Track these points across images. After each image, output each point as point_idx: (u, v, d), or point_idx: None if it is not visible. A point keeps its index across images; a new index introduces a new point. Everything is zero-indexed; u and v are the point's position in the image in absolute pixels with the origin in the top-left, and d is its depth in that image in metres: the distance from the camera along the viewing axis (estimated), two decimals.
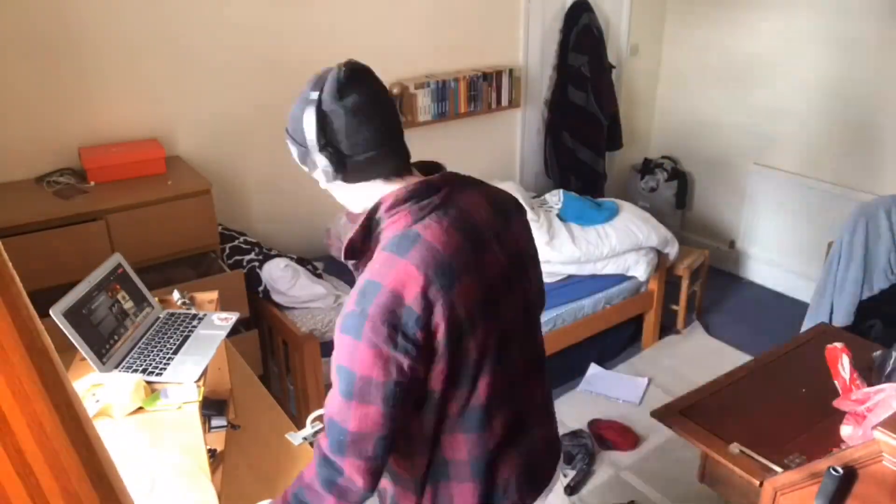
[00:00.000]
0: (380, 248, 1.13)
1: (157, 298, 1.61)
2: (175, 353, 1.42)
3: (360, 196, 1.22)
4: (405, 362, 1.05)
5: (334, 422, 1.09)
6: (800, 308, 3.12)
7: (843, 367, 1.84)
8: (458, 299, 1.09)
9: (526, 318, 1.27)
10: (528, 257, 1.30)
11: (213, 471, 1.28)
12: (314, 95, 1.19)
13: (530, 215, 3.04)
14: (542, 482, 1.35)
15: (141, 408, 1.27)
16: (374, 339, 1.04)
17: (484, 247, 1.17)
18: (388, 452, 1.11)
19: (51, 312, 1.27)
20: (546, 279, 3.09)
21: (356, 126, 1.15)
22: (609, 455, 2.83)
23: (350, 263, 1.23)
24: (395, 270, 1.07)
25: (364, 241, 1.19)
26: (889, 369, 1.91)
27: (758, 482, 1.76)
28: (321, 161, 1.16)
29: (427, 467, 1.21)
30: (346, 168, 1.16)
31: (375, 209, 1.16)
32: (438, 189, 1.16)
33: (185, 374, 1.34)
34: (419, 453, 1.20)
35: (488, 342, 1.15)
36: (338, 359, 1.09)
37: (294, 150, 1.22)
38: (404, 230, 1.12)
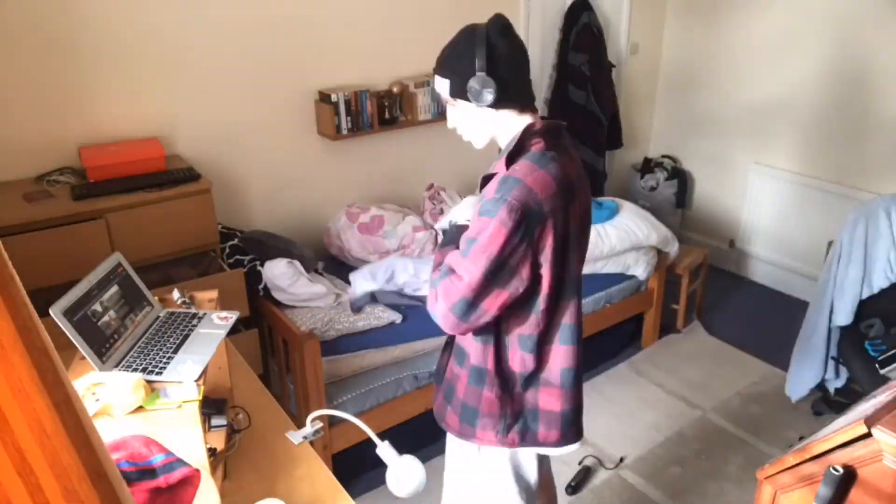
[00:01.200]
0: (521, 159, 1.40)
1: (157, 297, 1.61)
2: (175, 352, 1.42)
3: (496, 125, 1.48)
4: (521, 248, 1.35)
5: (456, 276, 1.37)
6: (800, 307, 3.12)
7: None
8: (573, 215, 1.42)
9: (580, 271, 1.55)
10: (588, 221, 1.56)
11: (214, 470, 1.28)
12: (482, 32, 1.41)
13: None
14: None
15: (141, 407, 1.27)
16: (506, 220, 1.32)
17: (582, 189, 1.48)
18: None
19: (50, 311, 1.27)
20: None
21: (515, 59, 1.44)
22: (610, 454, 2.83)
23: (484, 179, 1.50)
24: (535, 175, 1.36)
25: (516, 155, 1.43)
26: None
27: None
28: (486, 85, 1.38)
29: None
30: (504, 92, 1.40)
31: (527, 131, 1.44)
32: (561, 133, 1.50)
33: (185, 373, 1.34)
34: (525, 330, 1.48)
35: (580, 261, 1.50)
36: (469, 233, 1.38)
37: (447, 84, 1.44)
38: (542, 151, 1.41)
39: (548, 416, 1.56)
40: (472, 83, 1.39)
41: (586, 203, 1.51)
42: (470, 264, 1.35)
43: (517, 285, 1.39)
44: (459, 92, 1.43)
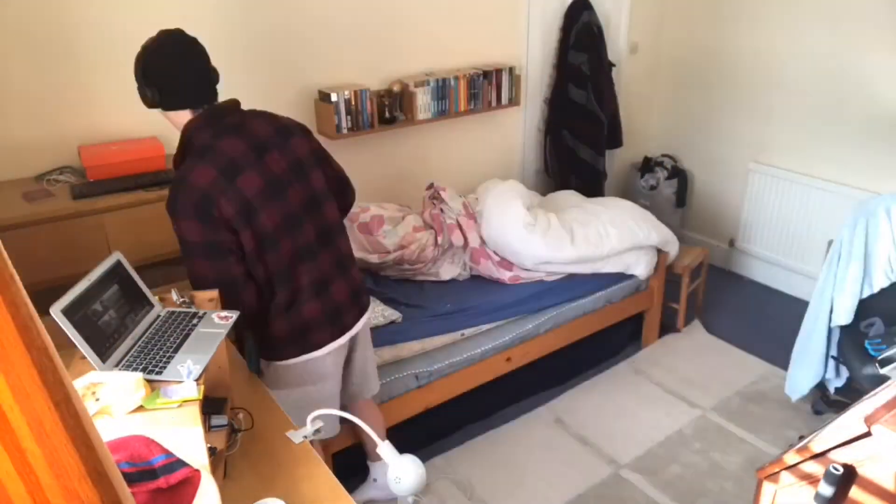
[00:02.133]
0: (187, 160, 1.71)
1: (157, 297, 1.61)
2: (175, 351, 1.42)
3: (174, 124, 1.79)
4: (213, 232, 1.67)
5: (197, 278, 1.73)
6: (800, 306, 3.12)
7: None
8: (244, 186, 1.70)
9: (311, 203, 1.88)
10: (309, 161, 1.90)
11: (214, 469, 1.28)
12: (140, 52, 1.74)
13: (527, 218, 3.03)
14: (343, 326, 2.00)
15: (141, 406, 1.27)
16: (194, 216, 1.65)
17: (266, 152, 1.78)
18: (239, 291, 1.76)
19: (50, 311, 1.26)
20: (546, 278, 3.10)
21: (167, 66, 1.73)
22: (610, 454, 2.84)
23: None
24: (196, 171, 1.67)
25: (183, 155, 1.75)
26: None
27: None
28: (144, 92, 1.73)
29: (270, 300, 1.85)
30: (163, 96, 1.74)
31: (186, 128, 1.73)
32: (222, 114, 1.78)
33: (186, 373, 1.34)
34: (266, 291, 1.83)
35: (277, 218, 1.77)
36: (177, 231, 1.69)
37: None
38: (203, 143, 1.71)
39: None
40: (141, 91, 1.74)
41: (292, 150, 1.86)
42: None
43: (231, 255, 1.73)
44: (142, 99, 1.76)
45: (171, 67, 1.71)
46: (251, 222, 1.72)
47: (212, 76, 1.80)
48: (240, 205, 1.69)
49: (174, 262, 2.49)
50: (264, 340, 1.94)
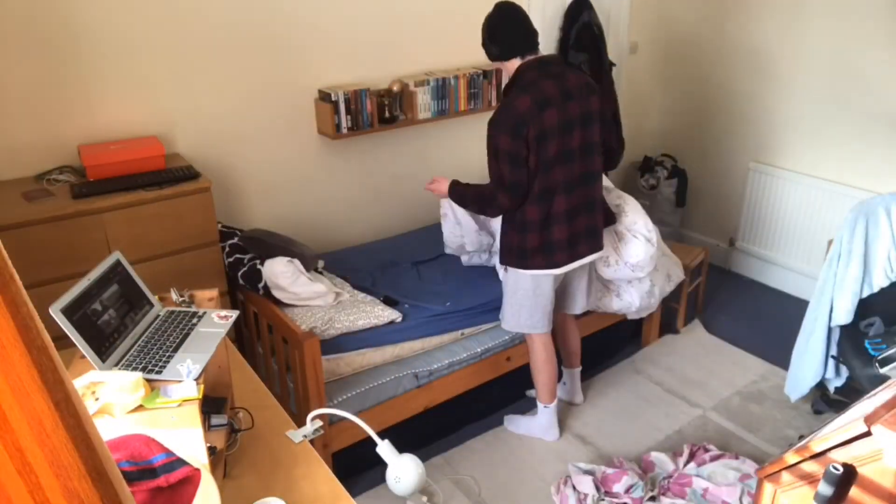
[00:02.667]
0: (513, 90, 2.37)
1: (157, 296, 1.61)
2: (175, 350, 1.42)
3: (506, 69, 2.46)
4: (518, 147, 2.31)
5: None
6: (800, 306, 3.12)
7: None
8: (547, 118, 2.30)
9: (586, 148, 2.44)
10: (595, 116, 2.46)
11: (214, 468, 1.28)
12: (486, 18, 2.45)
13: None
14: (576, 253, 2.54)
15: (141, 406, 1.27)
16: (508, 132, 2.31)
17: (570, 99, 2.36)
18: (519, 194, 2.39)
19: (50, 310, 1.26)
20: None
21: (506, 26, 2.41)
22: (610, 453, 2.84)
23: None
24: (519, 99, 2.30)
25: (511, 87, 2.41)
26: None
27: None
28: (489, 48, 2.44)
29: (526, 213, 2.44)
30: (503, 50, 2.42)
31: (520, 69, 2.39)
32: (552, 64, 2.42)
33: (185, 372, 1.34)
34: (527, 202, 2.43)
35: (559, 149, 2.36)
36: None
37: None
38: (529, 81, 2.34)
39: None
40: (485, 47, 2.44)
41: (585, 103, 2.41)
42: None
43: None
44: (487, 55, 2.46)
45: (507, 28, 2.38)
46: (540, 147, 2.32)
47: (534, 34, 2.42)
48: (539, 131, 2.30)
49: (174, 261, 2.51)
50: (513, 249, 2.50)
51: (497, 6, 2.40)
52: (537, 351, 2.74)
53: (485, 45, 2.42)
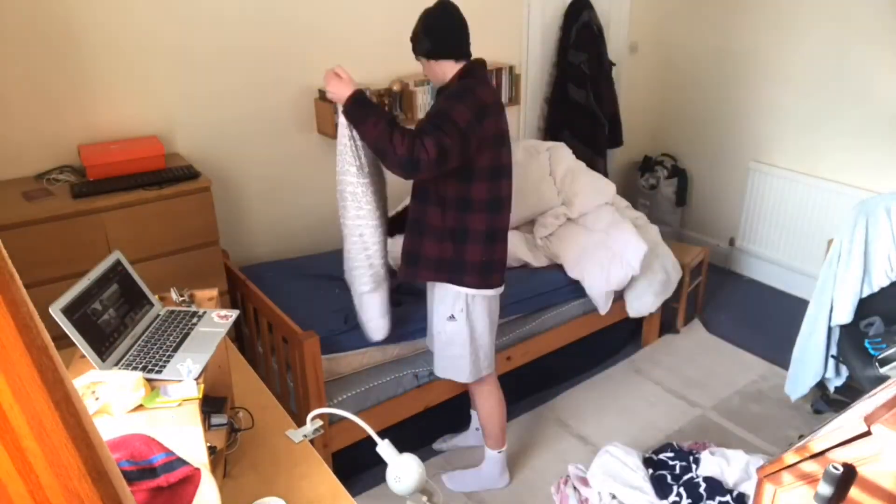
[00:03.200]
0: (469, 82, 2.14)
1: (157, 296, 1.61)
2: (175, 350, 1.42)
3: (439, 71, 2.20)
4: (471, 129, 2.02)
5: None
6: (800, 305, 3.12)
7: None
8: (502, 122, 2.16)
9: (510, 165, 2.23)
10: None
11: (214, 468, 1.28)
12: (422, 15, 2.21)
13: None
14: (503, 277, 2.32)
15: (141, 405, 1.27)
16: (470, 110, 2.03)
17: (502, 110, 2.16)
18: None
19: (50, 310, 1.26)
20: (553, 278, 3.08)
21: (446, 25, 2.19)
22: None
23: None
24: (483, 91, 2.10)
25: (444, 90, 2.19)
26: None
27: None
28: (423, 42, 2.17)
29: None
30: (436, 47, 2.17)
31: (460, 73, 2.15)
32: (479, 69, 2.19)
33: (185, 372, 1.34)
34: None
35: (507, 159, 2.19)
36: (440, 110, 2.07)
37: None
38: (468, 87, 2.12)
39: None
40: (419, 43, 2.18)
41: (503, 118, 2.18)
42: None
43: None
44: (415, 48, 2.21)
45: (446, 26, 2.16)
46: (495, 150, 2.13)
47: (467, 38, 2.20)
48: (496, 131, 2.12)
49: (174, 261, 2.51)
50: (475, 266, 2.21)
51: (442, 4, 2.18)
52: (493, 393, 2.50)
53: (417, 38, 2.17)
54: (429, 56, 2.16)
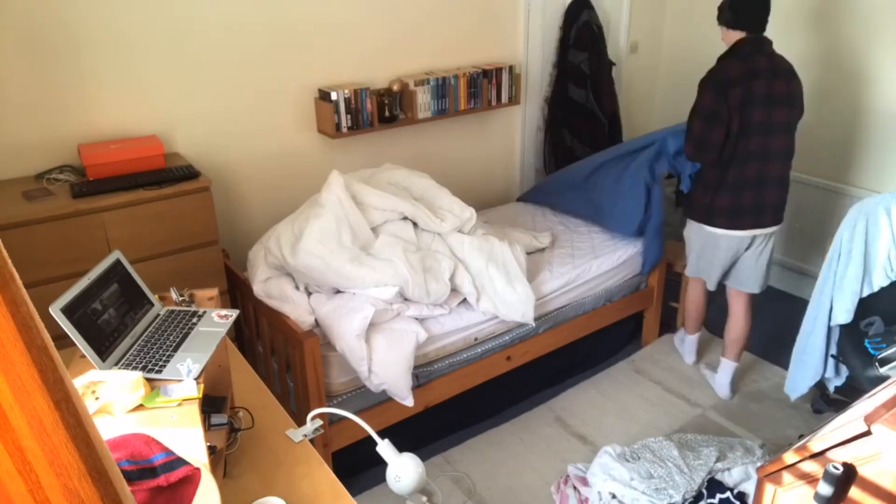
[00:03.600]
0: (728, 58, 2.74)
1: (157, 296, 1.61)
2: (175, 350, 1.42)
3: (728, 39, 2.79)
4: (719, 106, 2.64)
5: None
6: (799, 305, 3.11)
7: None
8: (754, 88, 2.64)
9: (781, 126, 2.72)
10: (795, 98, 2.74)
11: (214, 468, 1.28)
12: None
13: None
14: (757, 222, 2.85)
15: (141, 405, 1.27)
16: (713, 90, 2.67)
17: (775, 77, 2.68)
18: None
19: (50, 309, 1.26)
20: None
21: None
22: None
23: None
24: (732, 66, 2.66)
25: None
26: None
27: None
28: (722, 17, 2.76)
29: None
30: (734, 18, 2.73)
31: (738, 43, 2.72)
32: (755, 42, 2.71)
33: (185, 371, 1.34)
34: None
35: (759, 119, 2.66)
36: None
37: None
38: (741, 54, 2.71)
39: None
40: (722, 9, 2.74)
41: (774, 86, 2.67)
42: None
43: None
44: (719, 17, 2.78)
45: (751, 3, 2.65)
46: (743, 113, 2.63)
47: (766, 18, 2.67)
48: (744, 97, 2.60)
49: (174, 260, 2.51)
50: (702, 207, 2.85)
51: None
52: (692, 290, 3.24)
53: (723, 7, 2.70)
54: (723, 24, 2.75)
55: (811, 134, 3.77)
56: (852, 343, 2.69)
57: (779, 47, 2.75)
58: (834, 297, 2.70)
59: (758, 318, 3.81)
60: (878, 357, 2.54)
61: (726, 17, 2.70)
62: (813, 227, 3.83)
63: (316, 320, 2.50)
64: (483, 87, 3.53)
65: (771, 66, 2.65)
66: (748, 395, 3.19)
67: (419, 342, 2.51)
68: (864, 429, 1.43)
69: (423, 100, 3.32)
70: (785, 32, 3.75)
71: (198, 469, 1.16)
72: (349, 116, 3.09)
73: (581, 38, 3.82)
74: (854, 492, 1.49)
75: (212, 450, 1.35)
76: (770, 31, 2.73)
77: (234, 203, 3.06)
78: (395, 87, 3.26)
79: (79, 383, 1.26)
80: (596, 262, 3.17)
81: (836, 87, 3.60)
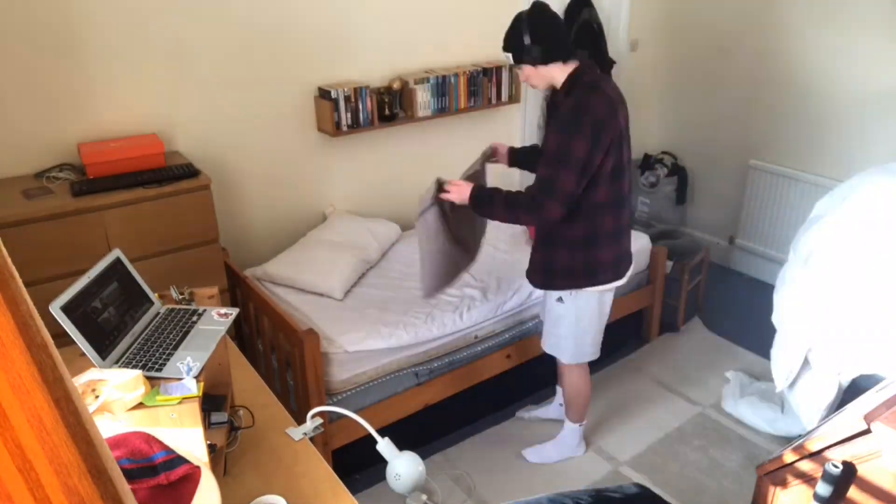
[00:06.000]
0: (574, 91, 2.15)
1: (156, 294, 1.61)
2: (175, 348, 1.42)
3: (550, 75, 2.20)
4: (594, 155, 2.09)
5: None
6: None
7: None
8: (622, 118, 2.15)
9: (629, 160, 2.26)
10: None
11: (214, 466, 1.28)
12: (524, 16, 2.14)
13: None
14: (623, 272, 2.40)
15: (141, 403, 1.27)
16: (589, 136, 2.07)
17: (621, 105, 2.18)
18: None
19: (50, 308, 1.26)
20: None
21: (552, 29, 2.16)
22: (609, 451, 2.84)
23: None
24: (595, 99, 2.10)
25: (567, 92, 2.17)
26: None
27: None
28: (532, 50, 2.13)
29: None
30: (548, 53, 2.15)
31: (575, 72, 2.17)
32: (593, 68, 2.22)
33: (185, 370, 1.34)
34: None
35: (627, 155, 2.22)
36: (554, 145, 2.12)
37: (510, 56, 2.20)
38: (593, 80, 2.16)
39: None
40: (526, 51, 2.14)
41: (625, 116, 2.20)
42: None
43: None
44: (519, 59, 2.18)
45: (551, 28, 2.15)
46: (617, 150, 2.14)
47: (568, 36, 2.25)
48: (615, 135, 2.11)
49: (174, 259, 2.51)
50: (575, 269, 2.30)
51: (536, 4, 2.17)
52: (585, 374, 2.63)
53: (518, 46, 2.14)
54: (533, 63, 2.16)
55: (812, 132, 3.77)
56: None
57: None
58: None
59: (758, 316, 3.81)
60: None
61: (535, 54, 2.13)
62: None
63: None
64: (483, 86, 3.53)
65: (618, 91, 2.22)
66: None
67: None
68: (864, 427, 1.43)
69: (423, 98, 3.32)
70: (791, 23, 3.74)
71: (198, 467, 1.16)
72: (349, 115, 3.09)
73: (581, 37, 3.82)
74: (853, 490, 1.49)
75: (212, 448, 1.36)
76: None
77: (234, 201, 3.06)
78: (395, 86, 3.25)
79: (79, 382, 1.26)
80: None
81: (838, 86, 3.60)
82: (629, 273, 2.45)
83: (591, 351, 2.54)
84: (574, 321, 2.43)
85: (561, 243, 2.30)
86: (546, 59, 2.14)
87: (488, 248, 3.07)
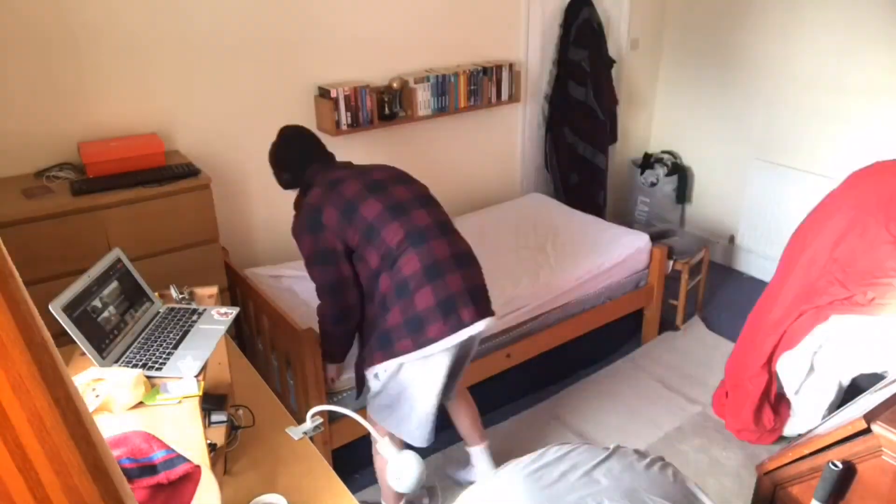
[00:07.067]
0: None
1: (156, 293, 1.61)
2: (175, 347, 1.42)
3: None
4: (323, 240, 2.01)
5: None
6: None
7: None
8: (344, 191, 2.04)
9: (422, 199, 2.08)
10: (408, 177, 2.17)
11: (214, 465, 1.29)
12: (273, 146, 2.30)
13: None
14: (461, 319, 1.94)
15: (141, 403, 1.27)
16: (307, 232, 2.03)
17: (359, 194, 2.05)
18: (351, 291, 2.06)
19: (50, 307, 1.26)
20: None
21: (290, 152, 2.27)
22: None
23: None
24: (312, 193, 2.10)
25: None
26: None
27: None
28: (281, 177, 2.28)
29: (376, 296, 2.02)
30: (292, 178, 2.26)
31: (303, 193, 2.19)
32: (327, 171, 2.18)
33: (185, 369, 1.34)
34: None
35: (377, 208, 2.00)
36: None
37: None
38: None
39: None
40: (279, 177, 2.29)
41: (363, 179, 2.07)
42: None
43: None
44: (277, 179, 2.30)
45: (293, 156, 2.23)
46: (353, 216, 1.98)
47: (310, 151, 2.25)
48: (345, 204, 1.99)
49: (174, 258, 2.50)
50: (373, 343, 2.03)
51: (281, 134, 2.28)
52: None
53: (279, 174, 2.28)
54: (287, 187, 2.29)
55: (813, 132, 3.77)
56: None
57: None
58: None
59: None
60: None
61: (287, 179, 2.24)
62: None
63: None
64: (483, 85, 3.53)
65: (355, 167, 2.17)
66: None
67: None
68: (864, 426, 1.43)
69: (423, 97, 3.32)
70: (793, 22, 3.74)
71: (198, 466, 1.16)
72: (349, 114, 3.09)
73: (581, 36, 3.82)
74: (854, 489, 1.50)
75: (212, 447, 1.36)
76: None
77: (234, 201, 3.06)
78: (395, 85, 3.25)
79: (79, 381, 1.27)
80: (597, 260, 3.17)
81: (839, 85, 3.60)
82: (432, 346, 1.94)
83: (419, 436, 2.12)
84: (383, 404, 2.14)
85: (370, 322, 2.09)
86: (294, 184, 2.24)
87: (480, 252, 3.07)
